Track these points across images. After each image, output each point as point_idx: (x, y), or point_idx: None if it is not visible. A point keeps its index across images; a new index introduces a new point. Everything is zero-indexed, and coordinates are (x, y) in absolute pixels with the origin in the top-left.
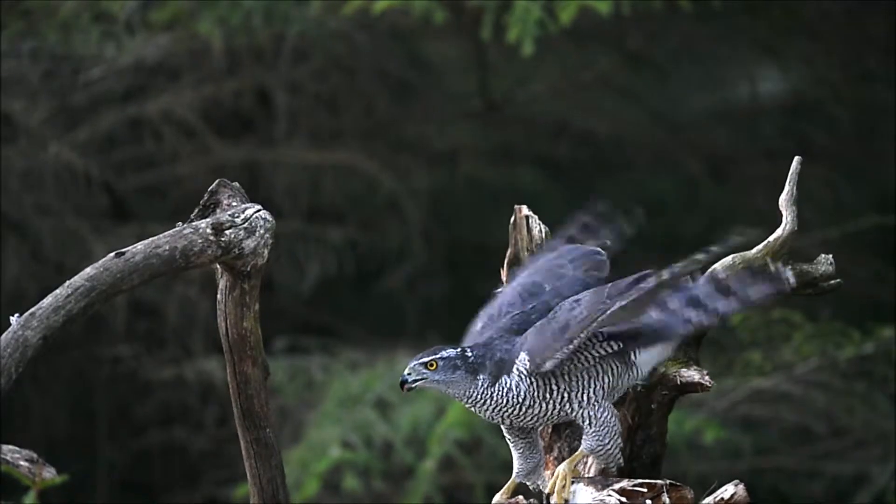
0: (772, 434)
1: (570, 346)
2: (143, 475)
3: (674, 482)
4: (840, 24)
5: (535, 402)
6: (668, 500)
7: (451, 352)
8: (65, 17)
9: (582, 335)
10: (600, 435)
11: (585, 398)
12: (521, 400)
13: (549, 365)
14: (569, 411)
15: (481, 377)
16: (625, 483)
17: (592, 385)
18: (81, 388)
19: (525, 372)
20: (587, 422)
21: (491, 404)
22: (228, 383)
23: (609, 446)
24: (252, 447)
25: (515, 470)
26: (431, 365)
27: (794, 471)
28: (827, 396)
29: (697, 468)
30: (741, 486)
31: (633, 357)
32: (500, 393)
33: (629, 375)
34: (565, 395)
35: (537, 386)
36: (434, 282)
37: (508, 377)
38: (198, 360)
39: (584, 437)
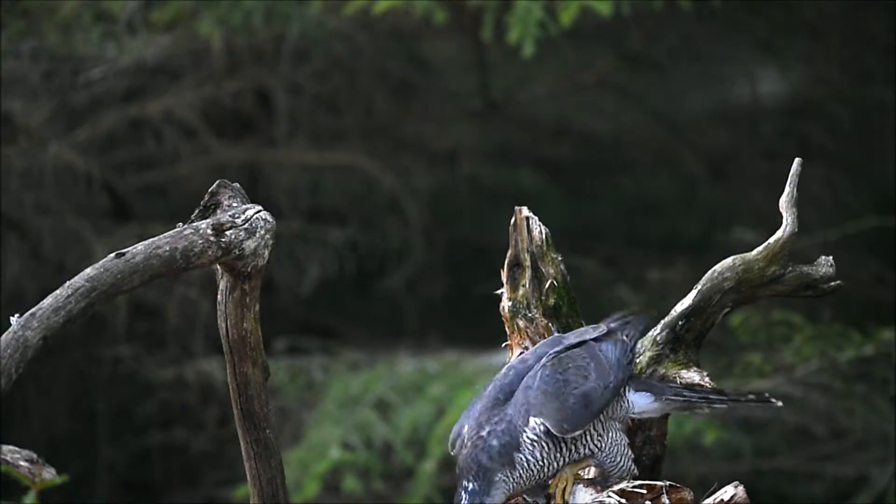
0: (772, 435)
1: (597, 418)
2: (143, 475)
3: (674, 483)
4: (840, 23)
5: (552, 459)
6: (667, 502)
7: (465, 502)
8: (65, 17)
9: (606, 409)
10: (611, 456)
11: (589, 437)
12: (542, 463)
13: (576, 434)
14: (581, 453)
15: (499, 476)
16: (624, 484)
17: (598, 426)
18: (82, 389)
19: (536, 438)
20: (597, 449)
21: (526, 480)
22: (229, 384)
23: (622, 463)
24: (252, 448)
25: None
26: None
27: (794, 472)
28: (827, 398)
29: (697, 469)
30: (741, 488)
31: (624, 391)
32: (523, 468)
33: (622, 407)
34: (573, 444)
35: (549, 447)
36: (434, 282)
37: (520, 453)
38: (198, 361)
39: (596, 459)
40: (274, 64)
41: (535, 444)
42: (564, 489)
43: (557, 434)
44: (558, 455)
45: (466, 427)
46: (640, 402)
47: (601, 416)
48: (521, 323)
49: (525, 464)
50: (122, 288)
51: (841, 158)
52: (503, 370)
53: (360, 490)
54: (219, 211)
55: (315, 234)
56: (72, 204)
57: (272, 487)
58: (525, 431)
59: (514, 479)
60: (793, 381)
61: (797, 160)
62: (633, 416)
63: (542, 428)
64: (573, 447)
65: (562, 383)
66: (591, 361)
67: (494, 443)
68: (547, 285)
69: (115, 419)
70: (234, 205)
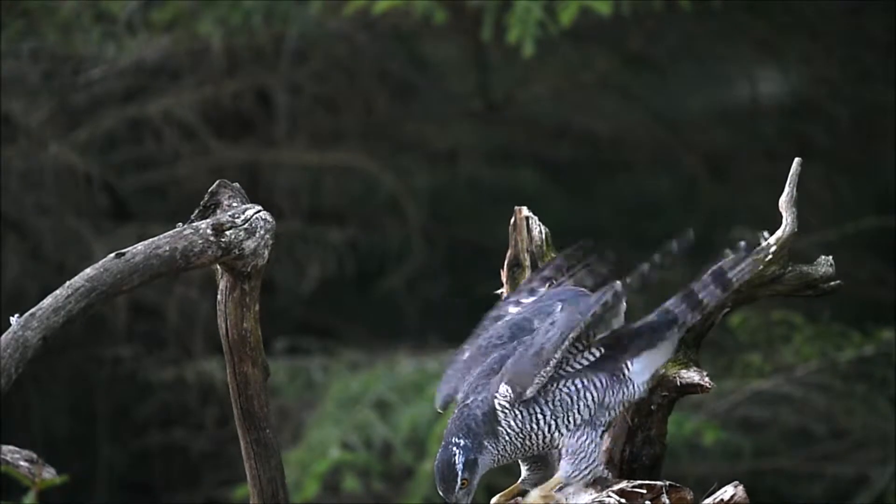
0: (772, 436)
1: (548, 368)
2: (143, 475)
3: (673, 483)
4: (840, 23)
5: (530, 430)
6: (667, 502)
7: (460, 457)
8: (65, 17)
9: (557, 354)
10: (577, 460)
11: (571, 421)
12: (523, 435)
13: (529, 392)
14: (557, 438)
15: (486, 442)
16: (624, 484)
17: (576, 405)
18: (82, 389)
19: (507, 405)
20: (566, 448)
21: (510, 453)
22: (228, 384)
23: (585, 472)
24: (252, 448)
25: (522, 476)
26: (464, 483)
27: (793, 472)
28: (827, 398)
29: (697, 470)
30: (741, 488)
31: (626, 371)
32: (505, 441)
33: (623, 392)
34: (552, 422)
35: (523, 416)
36: (434, 282)
37: (499, 425)
38: (198, 361)
39: (561, 461)
40: (274, 64)
41: (508, 412)
42: None
43: (514, 399)
44: (534, 426)
45: (460, 393)
46: (639, 369)
47: (576, 388)
48: None
49: (506, 436)
50: (121, 288)
51: (841, 158)
52: (513, 342)
53: (360, 490)
54: (219, 211)
55: (315, 234)
56: (72, 204)
57: (272, 487)
58: (496, 398)
59: (498, 450)
60: (793, 381)
61: (797, 160)
62: (643, 381)
63: (509, 395)
64: (544, 416)
65: (526, 346)
66: (562, 315)
67: (478, 412)
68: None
69: (115, 419)
70: (234, 205)
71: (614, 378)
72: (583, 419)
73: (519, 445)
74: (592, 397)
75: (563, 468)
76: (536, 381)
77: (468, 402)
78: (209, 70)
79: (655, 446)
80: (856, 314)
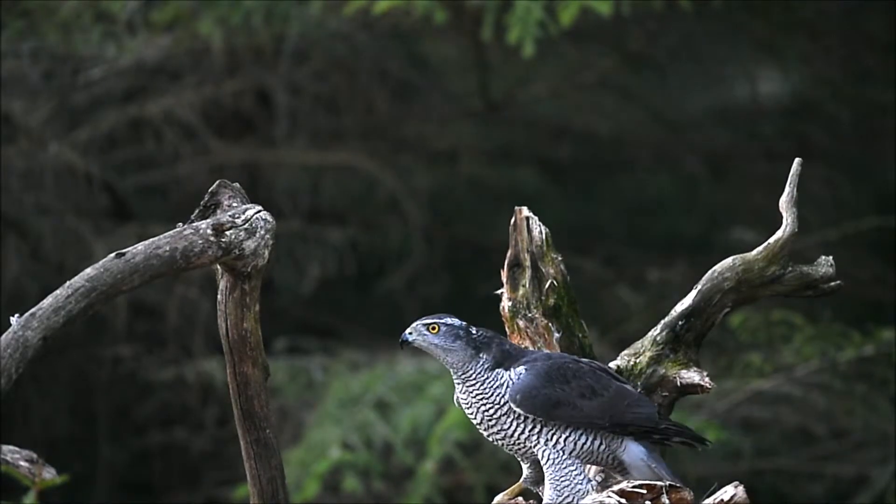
0: (772, 436)
1: (548, 421)
2: (143, 475)
3: (674, 483)
4: (840, 23)
5: (510, 414)
6: (667, 502)
7: (455, 321)
8: (65, 17)
9: (564, 425)
10: (559, 486)
11: (554, 439)
12: (502, 401)
13: (520, 410)
14: (534, 443)
15: (483, 356)
16: (624, 484)
17: (568, 435)
18: (82, 389)
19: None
20: (547, 463)
21: (481, 388)
22: (228, 384)
23: (569, 498)
24: (252, 448)
25: (524, 475)
26: (433, 328)
27: (794, 472)
28: (827, 398)
29: (697, 470)
30: (741, 488)
31: (621, 439)
32: (495, 381)
33: (612, 445)
34: (539, 425)
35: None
36: (434, 282)
37: (506, 372)
38: (198, 361)
39: (545, 488)
40: (274, 64)
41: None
42: None
43: (508, 397)
44: (522, 418)
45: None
46: (631, 447)
47: (574, 427)
48: (521, 323)
49: (498, 378)
50: (122, 288)
51: (841, 158)
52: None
53: (360, 490)
54: (219, 211)
55: (315, 234)
56: (72, 204)
57: (272, 487)
58: (514, 368)
59: (482, 375)
60: (793, 381)
61: (797, 160)
62: (626, 458)
63: (516, 379)
64: (530, 416)
65: (559, 374)
66: (608, 393)
67: (506, 346)
68: (547, 285)
69: (115, 419)
70: (234, 205)
71: (608, 439)
72: (566, 451)
73: (495, 400)
74: (583, 445)
75: (548, 494)
76: (532, 416)
77: (505, 339)
78: (209, 70)
79: (656, 447)
80: (856, 314)
